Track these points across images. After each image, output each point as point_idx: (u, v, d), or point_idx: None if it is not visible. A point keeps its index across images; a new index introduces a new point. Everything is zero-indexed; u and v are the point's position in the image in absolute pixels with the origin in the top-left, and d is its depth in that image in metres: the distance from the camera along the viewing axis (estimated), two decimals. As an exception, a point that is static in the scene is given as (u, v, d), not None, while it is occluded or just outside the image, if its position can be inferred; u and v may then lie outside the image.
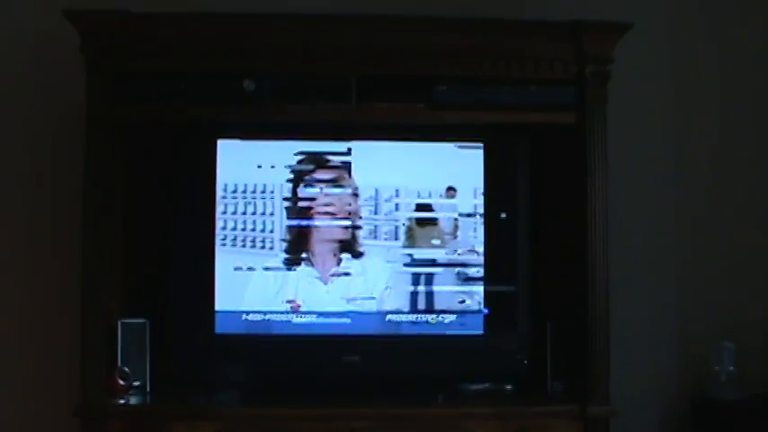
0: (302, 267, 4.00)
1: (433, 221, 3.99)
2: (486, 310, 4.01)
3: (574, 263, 3.86)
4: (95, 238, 3.71)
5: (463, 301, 4.01)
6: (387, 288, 3.98)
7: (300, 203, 3.99)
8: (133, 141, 4.01)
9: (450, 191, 4.02)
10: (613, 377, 3.81)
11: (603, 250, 3.81)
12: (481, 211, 4.01)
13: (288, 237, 3.99)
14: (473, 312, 3.99)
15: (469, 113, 3.85)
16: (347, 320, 3.97)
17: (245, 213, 3.96)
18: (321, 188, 3.99)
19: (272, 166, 3.99)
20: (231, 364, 3.90)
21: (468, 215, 4.02)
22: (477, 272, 4.01)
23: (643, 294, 4.34)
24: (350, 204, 3.99)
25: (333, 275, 4.01)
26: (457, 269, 4.01)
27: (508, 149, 4.04)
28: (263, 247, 3.95)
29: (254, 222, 3.97)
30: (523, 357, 3.98)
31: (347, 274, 4.02)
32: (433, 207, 4.00)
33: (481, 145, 4.03)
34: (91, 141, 3.72)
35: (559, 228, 4.01)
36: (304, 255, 4.01)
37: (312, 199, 3.99)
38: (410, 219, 3.98)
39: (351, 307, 3.97)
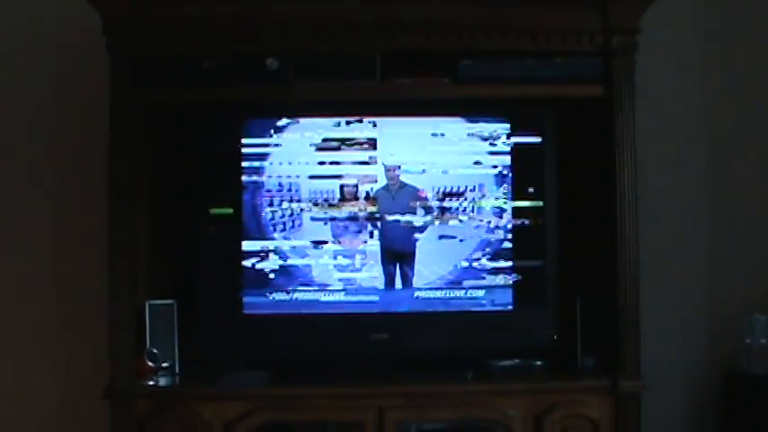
0: (329, 246, 3.96)
1: (461, 195, 3.93)
2: (514, 284, 3.98)
3: (602, 236, 3.83)
4: (122, 221, 3.72)
5: (492, 276, 3.96)
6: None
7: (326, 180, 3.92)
8: (157, 124, 4.00)
9: (477, 165, 3.96)
10: (644, 352, 3.79)
11: (633, 223, 3.76)
12: (508, 187, 3.95)
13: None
14: (502, 288, 3.94)
15: (495, 88, 3.81)
16: (375, 298, 3.93)
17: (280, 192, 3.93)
18: (346, 165, 3.94)
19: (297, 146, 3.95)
20: (259, 344, 3.90)
21: (496, 192, 3.96)
22: (505, 247, 3.95)
23: (673, 267, 4.30)
24: (375, 181, 3.93)
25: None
26: (485, 245, 3.95)
27: (534, 124, 3.96)
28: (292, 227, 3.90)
29: (281, 202, 3.94)
30: (553, 333, 3.93)
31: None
32: (459, 184, 3.96)
33: (507, 120, 3.97)
34: (115, 125, 3.71)
35: (587, 202, 3.97)
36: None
37: (338, 176, 3.94)
38: (437, 193, 3.92)
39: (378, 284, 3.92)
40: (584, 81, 3.82)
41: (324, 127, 3.94)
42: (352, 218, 3.95)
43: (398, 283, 3.94)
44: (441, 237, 3.99)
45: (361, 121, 3.90)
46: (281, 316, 3.91)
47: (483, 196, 3.94)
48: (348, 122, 3.91)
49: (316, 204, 3.93)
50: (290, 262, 3.94)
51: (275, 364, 3.84)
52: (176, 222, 3.99)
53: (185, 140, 3.93)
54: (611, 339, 3.77)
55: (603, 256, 3.81)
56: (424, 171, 3.94)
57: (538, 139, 3.96)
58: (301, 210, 3.93)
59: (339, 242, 3.97)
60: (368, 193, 3.95)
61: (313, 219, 3.95)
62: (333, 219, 3.93)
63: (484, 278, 3.95)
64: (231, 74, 3.75)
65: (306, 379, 3.77)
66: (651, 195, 4.10)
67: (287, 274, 3.93)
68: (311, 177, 3.96)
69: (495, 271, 3.96)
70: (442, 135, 3.96)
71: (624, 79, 3.80)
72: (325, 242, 3.97)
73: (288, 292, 3.90)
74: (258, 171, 3.94)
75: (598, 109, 3.82)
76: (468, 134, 3.94)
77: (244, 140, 3.93)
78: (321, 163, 3.95)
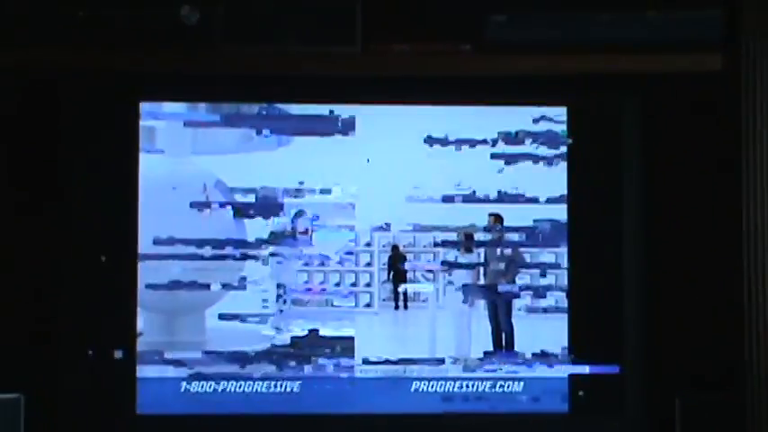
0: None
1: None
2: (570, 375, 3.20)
3: (718, 294, 3.17)
4: None
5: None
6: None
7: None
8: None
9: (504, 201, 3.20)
10: None
11: None
12: (562, 217, 3.22)
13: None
14: (551, 374, 3.21)
15: (542, 58, 3.11)
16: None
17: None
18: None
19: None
20: None
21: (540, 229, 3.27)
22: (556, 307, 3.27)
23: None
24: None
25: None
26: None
27: (606, 116, 3.30)
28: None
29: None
30: None
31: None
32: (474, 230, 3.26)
33: (563, 109, 3.28)
34: None
35: (688, 241, 3.30)
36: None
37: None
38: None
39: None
40: (693, 46, 3.10)
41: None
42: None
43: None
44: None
45: (331, 114, 3.25)
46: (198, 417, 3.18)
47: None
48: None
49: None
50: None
51: None
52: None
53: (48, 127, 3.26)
54: None
55: (718, 327, 3.16)
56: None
57: (612, 143, 3.26)
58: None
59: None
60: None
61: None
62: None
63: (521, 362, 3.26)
64: (126, 30, 3.09)
65: None
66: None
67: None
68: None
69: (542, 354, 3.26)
70: (455, 134, 3.23)
71: (756, 41, 3.04)
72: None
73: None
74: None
75: (711, 89, 3.16)
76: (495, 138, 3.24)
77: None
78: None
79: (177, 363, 3.14)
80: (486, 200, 3.23)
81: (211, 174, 3.18)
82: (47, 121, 3.34)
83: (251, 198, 3.19)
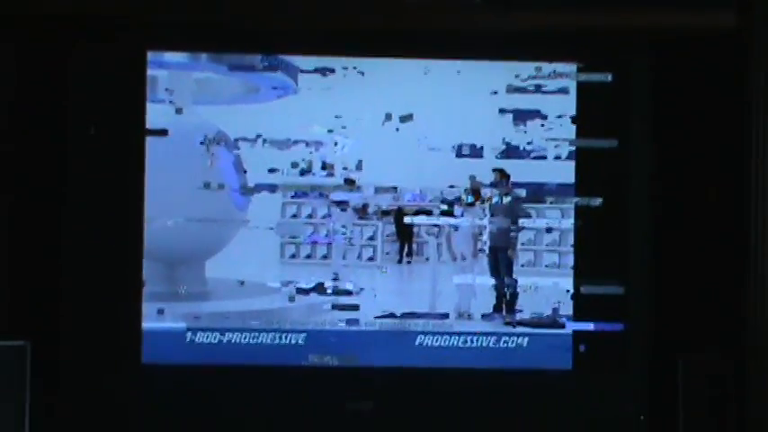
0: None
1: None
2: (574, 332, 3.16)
3: (723, 261, 3.15)
4: None
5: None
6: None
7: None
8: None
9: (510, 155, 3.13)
10: None
11: None
12: (570, 175, 3.16)
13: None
14: (555, 330, 3.15)
15: (557, 14, 3.12)
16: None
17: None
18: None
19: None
20: (165, 408, 3.12)
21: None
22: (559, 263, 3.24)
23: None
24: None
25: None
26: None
27: (619, 75, 3.26)
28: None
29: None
30: (639, 411, 3.13)
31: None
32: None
33: (573, 66, 3.24)
34: None
35: (696, 209, 3.25)
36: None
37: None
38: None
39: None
40: (704, 5, 3.10)
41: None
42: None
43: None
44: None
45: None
46: (200, 367, 3.15)
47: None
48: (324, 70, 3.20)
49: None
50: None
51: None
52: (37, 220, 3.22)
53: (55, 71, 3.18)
54: (734, 424, 3.02)
55: (723, 290, 3.12)
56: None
57: (622, 104, 3.24)
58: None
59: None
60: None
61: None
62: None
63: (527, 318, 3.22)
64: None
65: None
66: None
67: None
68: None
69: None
70: (463, 91, 3.16)
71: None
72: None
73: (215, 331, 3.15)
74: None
75: (722, 52, 3.15)
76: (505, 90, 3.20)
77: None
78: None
79: (181, 314, 3.14)
80: (493, 154, 3.18)
81: (213, 124, 3.15)
82: (57, 69, 3.26)
83: (256, 145, 3.16)
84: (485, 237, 3.17)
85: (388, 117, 3.16)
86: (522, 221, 3.19)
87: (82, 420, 3.17)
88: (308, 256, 3.16)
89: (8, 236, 3.21)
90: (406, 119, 3.15)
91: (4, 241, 3.43)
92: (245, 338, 3.13)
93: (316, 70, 3.29)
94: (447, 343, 3.19)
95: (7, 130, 3.20)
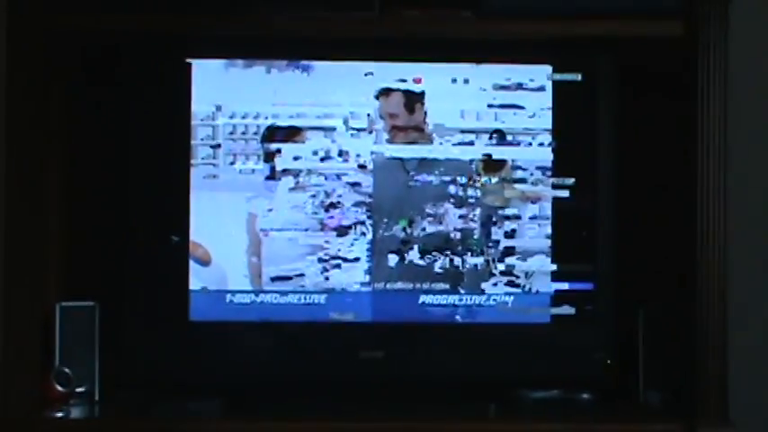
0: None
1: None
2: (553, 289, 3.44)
3: (677, 227, 3.31)
4: (23, 195, 3.15)
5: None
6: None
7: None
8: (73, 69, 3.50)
9: (498, 134, 3.45)
10: (732, 385, 3.25)
11: (720, 209, 3.19)
12: (547, 163, 3.44)
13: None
14: (535, 294, 3.45)
15: (534, 24, 3.31)
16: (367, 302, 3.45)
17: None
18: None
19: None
20: (211, 362, 3.42)
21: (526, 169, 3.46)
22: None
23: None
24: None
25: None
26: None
27: (587, 75, 3.46)
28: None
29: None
30: (606, 356, 3.41)
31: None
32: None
33: (548, 68, 3.46)
34: (14, 66, 3.12)
35: (656, 181, 3.51)
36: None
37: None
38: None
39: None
40: (658, 14, 3.26)
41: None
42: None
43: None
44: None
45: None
46: (240, 323, 3.43)
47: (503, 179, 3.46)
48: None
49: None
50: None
51: (233, 388, 3.40)
52: (101, 197, 3.55)
53: (109, 89, 3.48)
54: (686, 368, 3.22)
55: (678, 252, 3.29)
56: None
57: (591, 97, 3.48)
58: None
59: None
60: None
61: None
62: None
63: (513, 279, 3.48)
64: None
65: (271, 409, 3.29)
66: (744, 177, 3.56)
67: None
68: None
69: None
70: (458, 87, 3.41)
71: (714, 10, 3.17)
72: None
73: (251, 293, 3.43)
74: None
75: (676, 54, 3.29)
76: (492, 88, 3.46)
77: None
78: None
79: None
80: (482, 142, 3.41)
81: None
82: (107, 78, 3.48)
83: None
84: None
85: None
86: (506, 194, 3.42)
87: (141, 368, 3.42)
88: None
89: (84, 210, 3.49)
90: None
91: (80, 217, 3.58)
92: (275, 299, 3.40)
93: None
94: (446, 302, 3.44)
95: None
